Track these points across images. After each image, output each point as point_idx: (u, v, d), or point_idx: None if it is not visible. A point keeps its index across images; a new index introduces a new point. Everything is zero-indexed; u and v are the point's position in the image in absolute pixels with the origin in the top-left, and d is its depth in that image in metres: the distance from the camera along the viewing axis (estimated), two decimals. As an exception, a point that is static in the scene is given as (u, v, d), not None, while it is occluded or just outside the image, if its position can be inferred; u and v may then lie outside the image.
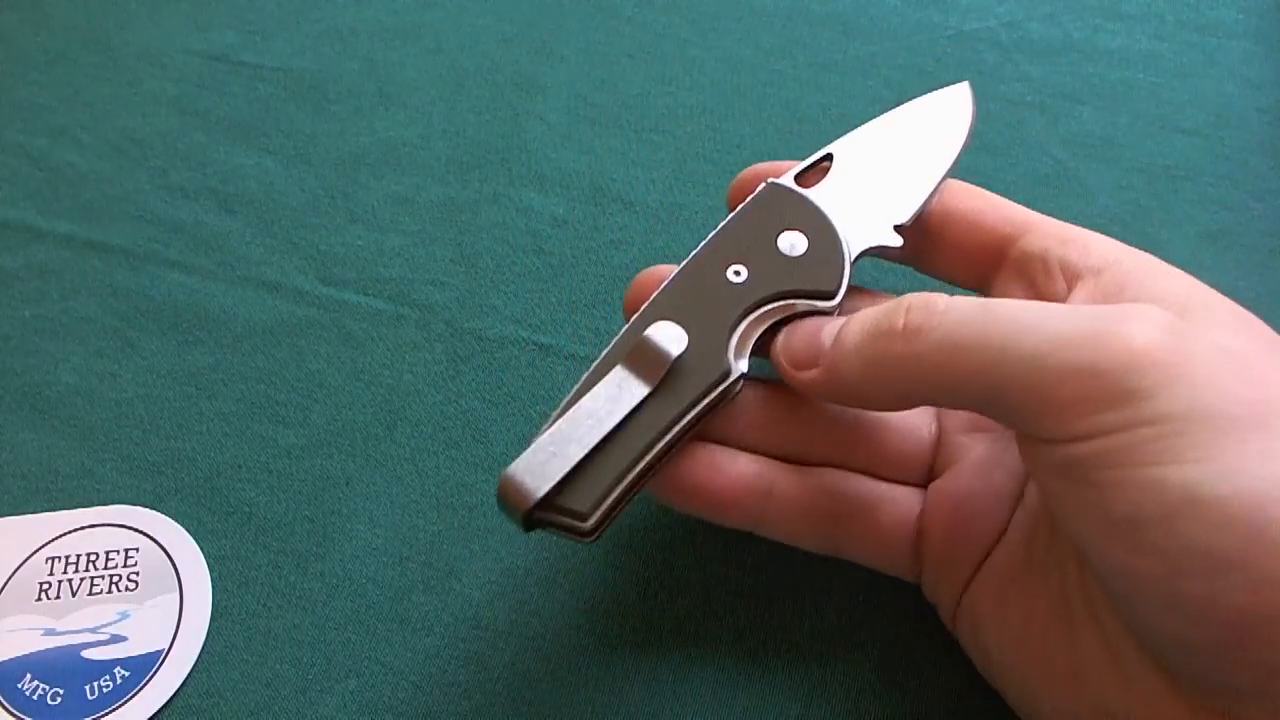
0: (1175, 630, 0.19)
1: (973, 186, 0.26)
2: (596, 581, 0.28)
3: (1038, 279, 0.24)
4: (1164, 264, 0.23)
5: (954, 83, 0.29)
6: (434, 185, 0.35)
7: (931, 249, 0.26)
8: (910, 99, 0.28)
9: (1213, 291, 0.22)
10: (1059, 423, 0.19)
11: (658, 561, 0.28)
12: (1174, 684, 0.20)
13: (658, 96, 0.36)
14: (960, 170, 0.35)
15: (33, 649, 0.27)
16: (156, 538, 0.29)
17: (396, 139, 0.36)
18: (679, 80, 0.37)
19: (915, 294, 0.22)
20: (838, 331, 0.23)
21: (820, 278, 0.25)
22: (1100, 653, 0.21)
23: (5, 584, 0.28)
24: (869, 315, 0.22)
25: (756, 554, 0.28)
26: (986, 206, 0.26)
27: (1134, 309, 0.19)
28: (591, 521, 0.23)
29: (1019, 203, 0.26)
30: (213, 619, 0.28)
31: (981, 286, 0.26)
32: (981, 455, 0.25)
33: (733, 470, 0.24)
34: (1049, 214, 0.25)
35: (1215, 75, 0.36)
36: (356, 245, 0.34)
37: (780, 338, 0.24)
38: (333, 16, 0.39)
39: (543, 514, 0.23)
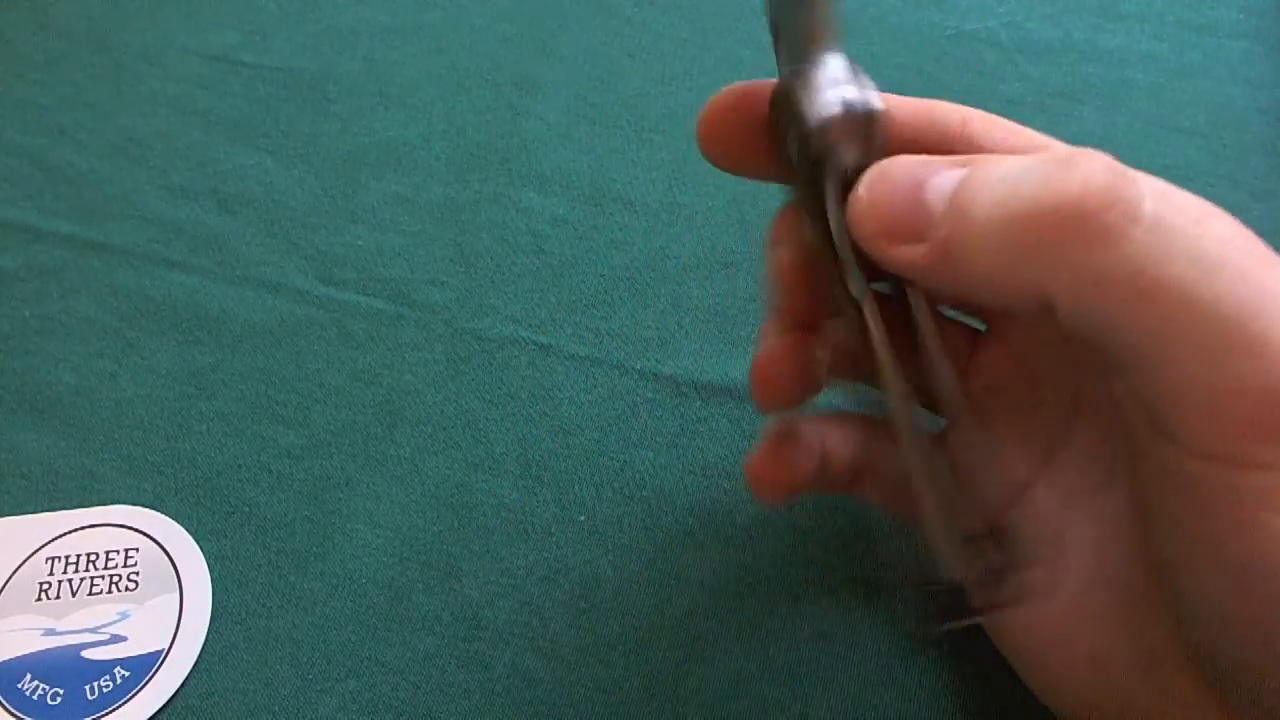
0: (1253, 662, 0.17)
1: (1002, 121, 0.22)
2: (596, 581, 0.28)
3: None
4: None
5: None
6: (434, 185, 0.35)
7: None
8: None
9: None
10: (1219, 434, 0.16)
11: (658, 561, 0.28)
12: (1212, 694, 0.19)
13: (658, 96, 0.36)
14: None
15: (33, 649, 0.27)
16: (156, 538, 0.29)
17: (396, 139, 0.36)
18: (679, 80, 0.37)
19: (1096, 158, 0.16)
20: (954, 193, 0.17)
21: None
22: (1127, 646, 0.20)
23: (5, 584, 0.28)
24: (1014, 180, 0.16)
25: (756, 554, 0.28)
26: (1025, 140, 0.21)
27: None
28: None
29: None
30: (213, 619, 0.28)
31: None
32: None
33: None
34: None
35: (1215, 75, 0.36)
36: (356, 245, 0.34)
37: (862, 191, 0.18)
38: (333, 16, 0.39)
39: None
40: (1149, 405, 0.17)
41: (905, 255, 0.18)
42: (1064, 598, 0.22)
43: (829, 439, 0.24)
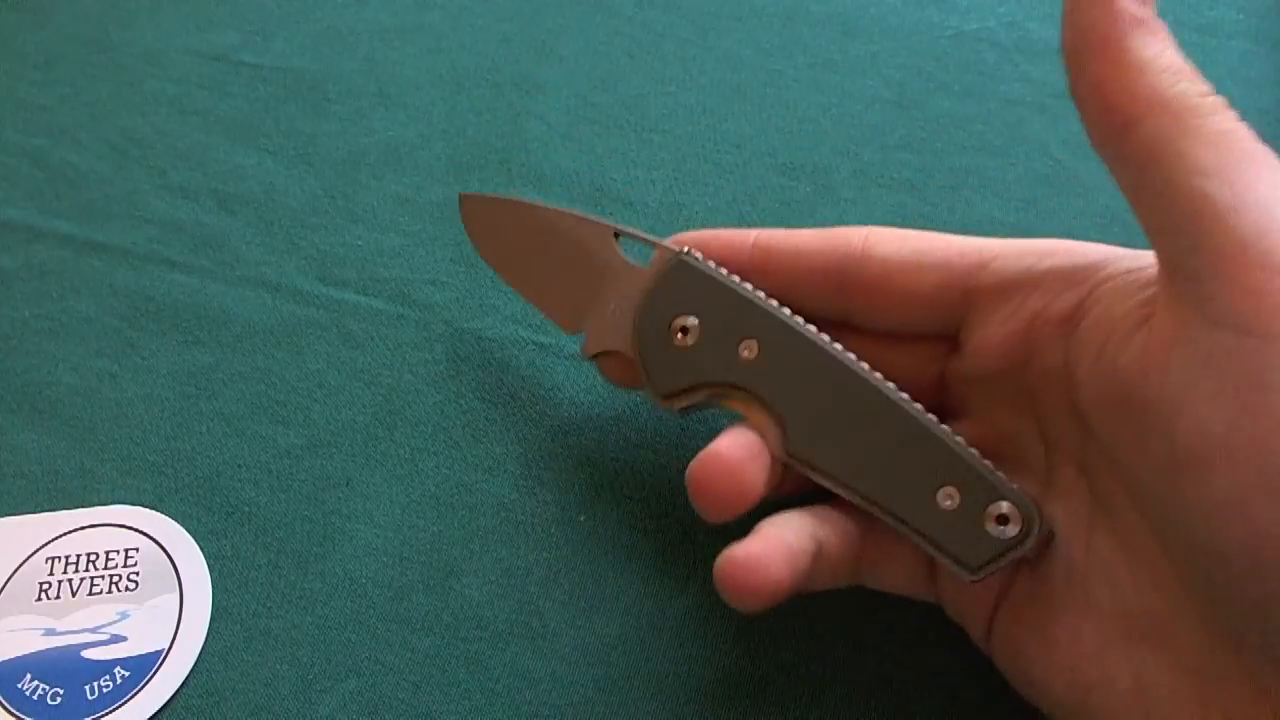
0: None
1: (901, 230, 0.25)
2: (596, 581, 0.28)
3: (1030, 299, 0.23)
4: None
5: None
6: (434, 185, 0.35)
7: (874, 306, 0.25)
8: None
9: None
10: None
11: (657, 561, 0.28)
12: (1260, 694, 0.19)
13: (658, 96, 0.36)
14: (960, 171, 0.35)
15: (33, 649, 0.27)
16: (156, 538, 0.29)
17: (396, 139, 0.36)
18: (679, 80, 0.37)
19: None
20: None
21: None
22: (1168, 671, 0.20)
23: (5, 584, 0.28)
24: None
25: (756, 554, 0.28)
26: (925, 244, 0.25)
27: None
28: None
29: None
30: (213, 619, 0.28)
31: (946, 330, 0.25)
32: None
33: (790, 567, 0.23)
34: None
35: (1215, 75, 0.35)
36: (356, 245, 0.34)
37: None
38: (333, 16, 0.39)
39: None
40: (1193, 279, 0.19)
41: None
42: (1094, 638, 0.22)
43: (820, 533, 0.24)
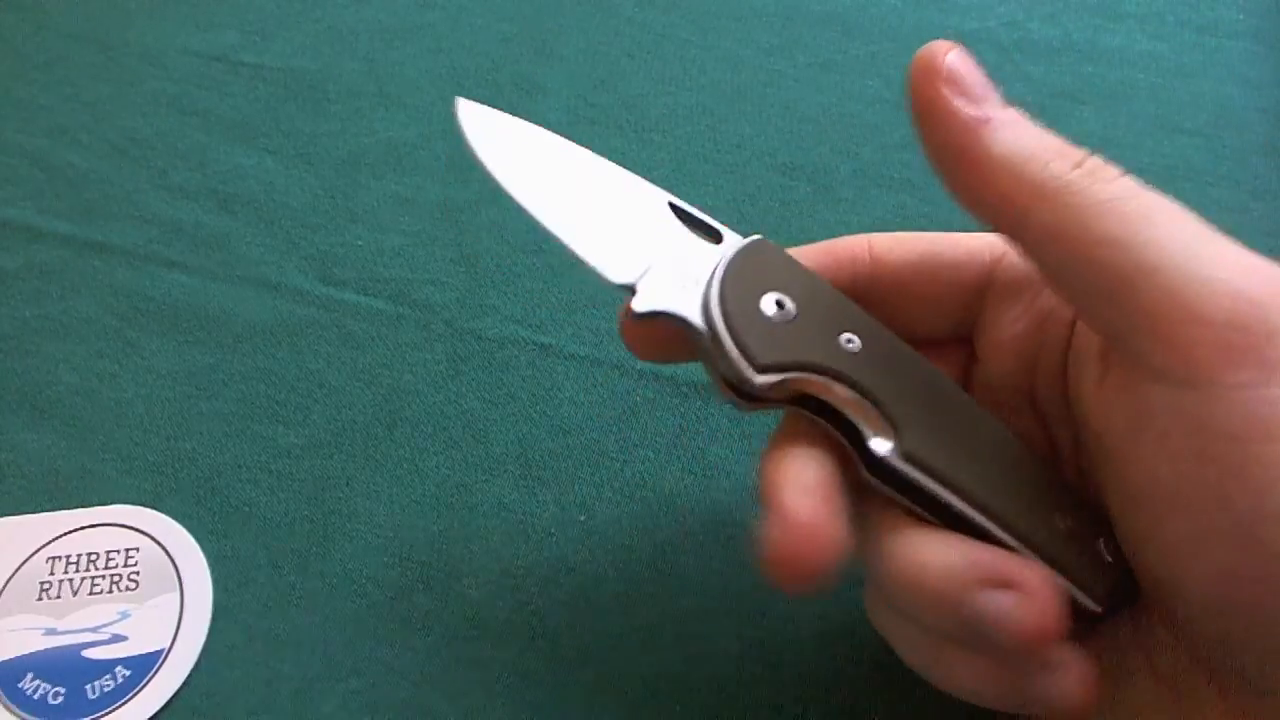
0: (1254, 642, 0.18)
1: (902, 234, 0.25)
2: (596, 581, 0.28)
3: (1040, 298, 0.23)
4: None
5: None
6: (434, 185, 0.35)
7: (891, 317, 0.24)
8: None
9: None
10: (1198, 365, 0.18)
11: (658, 561, 0.28)
12: (1234, 712, 0.19)
13: (658, 96, 0.36)
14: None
15: (34, 648, 0.27)
16: (156, 538, 0.29)
17: (396, 139, 0.36)
18: (679, 80, 0.37)
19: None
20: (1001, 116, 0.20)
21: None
22: (1146, 677, 0.21)
23: (6, 584, 0.28)
24: (1036, 136, 0.20)
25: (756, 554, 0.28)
26: (931, 247, 0.24)
27: None
28: None
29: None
30: (213, 619, 0.28)
31: (964, 333, 0.25)
32: None
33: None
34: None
35: (1215, 75, 0.36)
36: (356, 245, 0.34)
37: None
38: (333, 16, 0.39)
39: None
40: (1125, 341, 0.19)
41: (954, 108, 0.21)
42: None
43: None
